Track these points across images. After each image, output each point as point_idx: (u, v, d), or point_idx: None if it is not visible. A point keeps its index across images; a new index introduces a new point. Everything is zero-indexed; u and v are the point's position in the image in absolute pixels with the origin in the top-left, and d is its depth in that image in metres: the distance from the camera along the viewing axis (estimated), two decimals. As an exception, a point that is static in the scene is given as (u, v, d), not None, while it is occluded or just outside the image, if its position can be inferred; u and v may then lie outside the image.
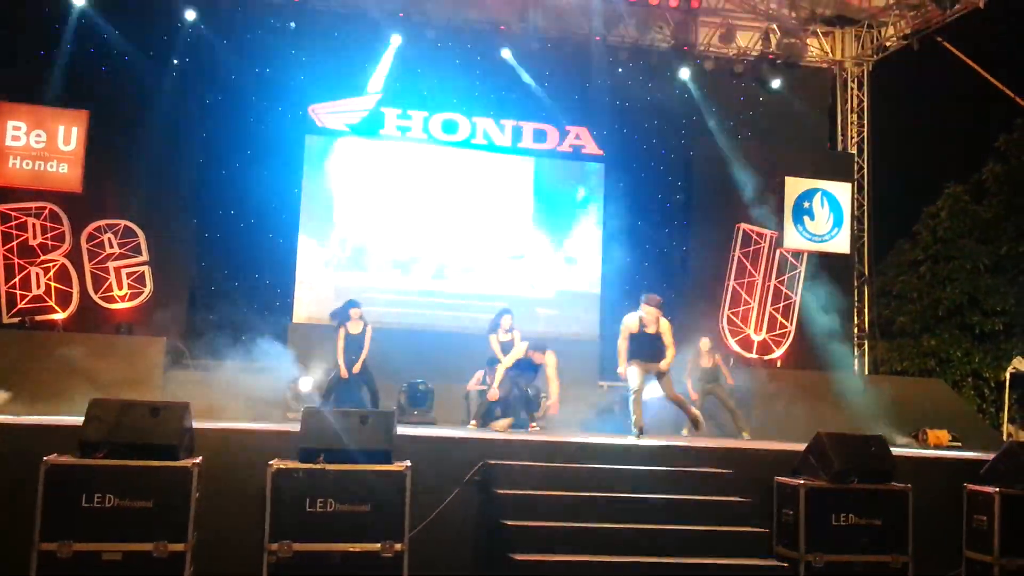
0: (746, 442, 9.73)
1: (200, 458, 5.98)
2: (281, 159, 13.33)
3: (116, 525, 5.60)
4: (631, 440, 8.34)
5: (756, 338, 14.66)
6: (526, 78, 14.05)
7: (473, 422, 10.07)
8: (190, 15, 12.94)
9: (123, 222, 12.73)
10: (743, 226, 14.87)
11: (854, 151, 15.76)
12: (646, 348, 8.84)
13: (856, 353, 15.39)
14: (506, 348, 10.23)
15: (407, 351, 11.48)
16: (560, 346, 12.24)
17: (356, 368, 10.03)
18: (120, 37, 12.74)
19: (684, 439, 9.89)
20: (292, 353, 11.49)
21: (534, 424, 10.08)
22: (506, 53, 13.96)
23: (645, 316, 8.84)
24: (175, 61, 12.96)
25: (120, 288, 12.66)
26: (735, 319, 14.69)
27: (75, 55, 12.62)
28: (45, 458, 5.62)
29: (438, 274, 13.79)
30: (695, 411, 9.33)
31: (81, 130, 12.59)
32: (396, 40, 13.59)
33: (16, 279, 12.33)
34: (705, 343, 11.57)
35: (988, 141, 18.85)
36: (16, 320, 12.12)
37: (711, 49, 14.85)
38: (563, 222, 14.31)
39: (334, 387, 10.14)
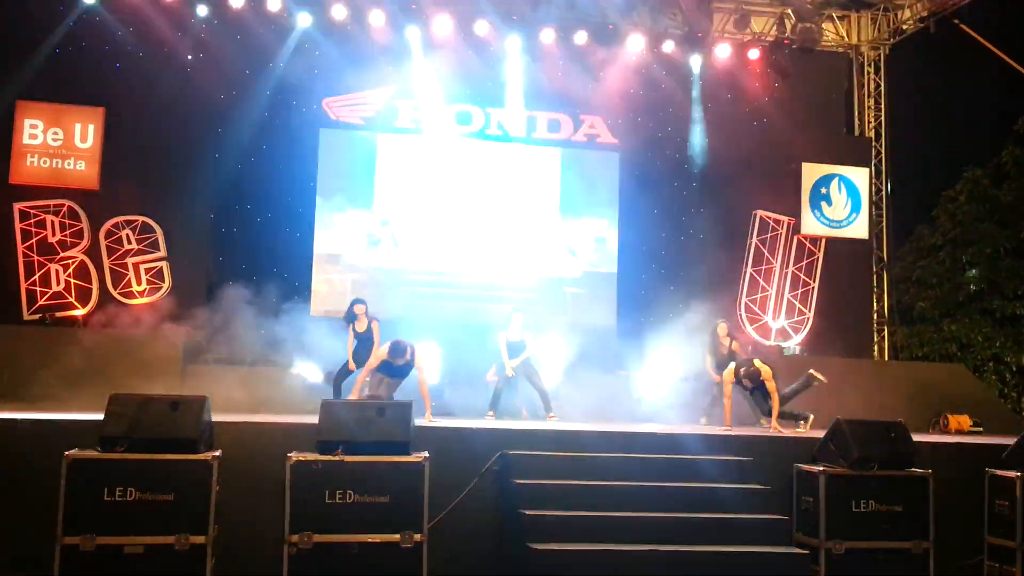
0: (765, 429, 9.70)
1: (219, 451, 6.02)
2: (296, 153, 13.36)
3: (137, 518, 5.66)
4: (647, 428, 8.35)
5: (774, 325, 14.59)
6: (539, 68, 13.98)
7: (490, 412, 10.09)
8: (202, 10, 12.95)
9: (141, 218, 12.81)
10: (760, 212, 14.80)
11: (871, 136, 15.64)
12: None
13: (876, 339, 15.31)
14: (514, 347, 10.28)
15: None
16: (577, 335, 12.31)
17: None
18: (133, 34, 12.78)
19: (702, 427, 9.89)
20: (310, 346, 11.54)
21: (551, 414, 10.10)
22: (518, 42, 13.85)
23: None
24: (188, 57, 12.99)
25: (139, 284, 12.74)
26: (753, 306, 14.63)
27: (90, 53, 12.68)
28: (67, 453, 5.67)
29: (457, 264, 13.76)
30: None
31: (97, 127, 12.66)
32: (413, 33, 13.53)
33: (36, 276, 12.43)
34: (722, 328, 11.17)
35: (1007, 124, 18.64)
36: (37, 317, 12.24)
37: (725, 35, 14.74)
38: (577, 211, 14.23)
39: (341, 379, 10.12)
